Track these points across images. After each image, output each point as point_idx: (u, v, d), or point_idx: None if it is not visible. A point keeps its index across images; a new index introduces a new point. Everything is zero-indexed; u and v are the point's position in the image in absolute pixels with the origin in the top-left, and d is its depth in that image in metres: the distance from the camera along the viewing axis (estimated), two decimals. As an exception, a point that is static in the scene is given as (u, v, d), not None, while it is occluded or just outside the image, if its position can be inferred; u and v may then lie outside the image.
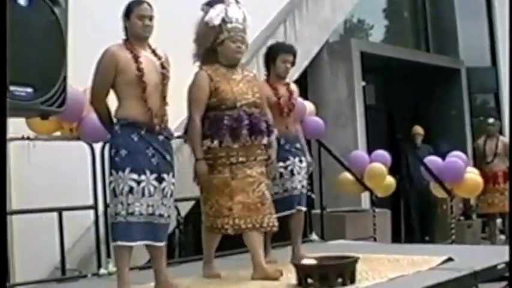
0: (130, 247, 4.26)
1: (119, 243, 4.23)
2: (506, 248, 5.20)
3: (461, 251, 5.79)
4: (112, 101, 4.48)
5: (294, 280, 4.35)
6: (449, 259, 4.94)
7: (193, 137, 4.75)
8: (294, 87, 5.77)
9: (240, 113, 4.74)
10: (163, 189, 4.30)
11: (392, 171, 8.18)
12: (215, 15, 4.82)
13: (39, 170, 6.31)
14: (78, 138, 5.55)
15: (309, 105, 6.96)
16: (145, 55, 4.38)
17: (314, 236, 7.05)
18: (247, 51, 8.43)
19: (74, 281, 5.52)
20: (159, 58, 4.44)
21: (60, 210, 5.50)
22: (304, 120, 6.95)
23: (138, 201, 4.20)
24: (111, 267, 5.52)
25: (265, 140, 4.84)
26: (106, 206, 5.70)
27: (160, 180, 4.28)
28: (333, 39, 10.56)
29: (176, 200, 5.97)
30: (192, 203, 7.06)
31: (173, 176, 4.39)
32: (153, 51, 4.46)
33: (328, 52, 10.08)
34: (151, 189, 4.24)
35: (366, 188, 7.83)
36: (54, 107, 2.75)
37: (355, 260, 4.32)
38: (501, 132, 10.79)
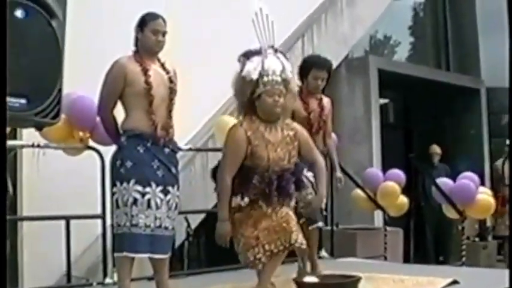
0: (132, 258, 4.28)
1: (124, 253, 4.25)
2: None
3: (469, 274, 5.76)
4: (119, 112, 4.52)
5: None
6: (455, 281, 4.89)
7: (222, 196, 4.57)
8: (326, 102, 5.68)
9: (271, 177, 4.62)
10: (169, 201, 4.33)
11: (406, 190, 8.13)
12: (252, 68, 4.62)
13: (50, 177, 6.36)
14: (88, 147, 5.60)
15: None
16: (154, 68, 4.41)
17: (323, 253, 7.01)
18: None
19: (79, 289, 5.55)
20: (167, 72, 4.48)
21: (67, 218, 5.53)
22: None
23: (143, 213, 4.22)
24: (117, 277, 5.54)
25: (293, 201, 4.74)
26: (114, 215, 5.75)
27: (165, 192, 4.31)
28: (356, 54, 10.56)
29: (187, 212, 6.03)
30: (202, 215, 7.09)
31: (178, 188, 4.41)
32: (162, 65, 4.50)
33: (346, 68, 10.08)
34: (158, 201, 4.26)
35: (379, 207, 7.79)
36: (48, 118, 2.76)
37: (357, 280, 4.30)
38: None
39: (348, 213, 8.68)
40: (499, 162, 10.14)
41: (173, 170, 4.39)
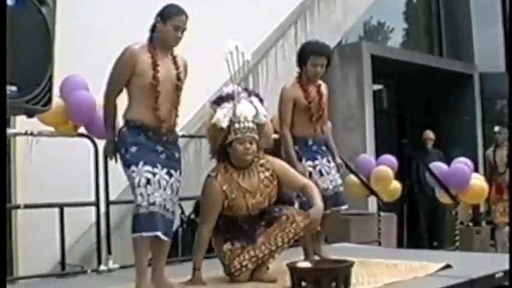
0: (149, 238, 4.20)
1: (143, 234, 4.15)
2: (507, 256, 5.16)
3: (462, 258, 5.78)
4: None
5: (288, 283, 4.35)
6: (448, 266, 4.91)
7: (198, 248, 4.68)
8: (324, 88, 5.62)
9: (254, 216, 4.74)
10: (172, 184, 4.27)
11: (400, 175, 8.15)
12: (222, 116, 4.65)
13: (44, 166, 6.36)
14: (81, 135, 5.61)
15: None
16: (164, 62, 4.35)
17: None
18: (258, 52, 8.58)
19: (73, 277, 5.54)
20: (177, 68, 4.42)
21: (61, 206, 5.54)
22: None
23: (157, 191, 4.17)
24: (111, 264, 5.57)
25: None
26: (108, 203, 5.76)
27: (170, 175, 4.26)
28: (350, 41, 10.55)
29: (181, 199, 6.02)
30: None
31: (180, 173, 4.38)
32: (174, 58, 4.44)
33: (339, 55, 10.06)
34: (164, 183, 4.21)
35: (372, 192, 7.81)
36: (39, 105, 2.77)
37: (350, 265, 4.31)
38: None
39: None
40: (489, 151, 9.84)
41: (176, 154, 4.38)
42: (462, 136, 12.26)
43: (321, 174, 5.41)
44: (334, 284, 4.15)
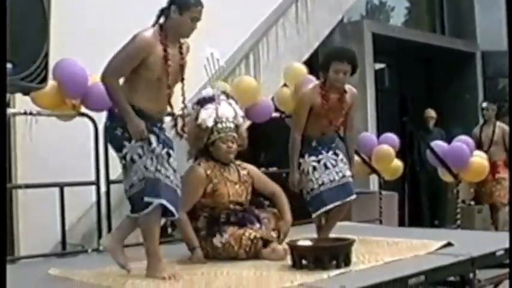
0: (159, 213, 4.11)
1: (160, 201, 4.03)
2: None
3: (463, 236, 5.78)
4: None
5: (289, 261, 4.35)
6: (449, 244, 4.90)
7: (186, 230, 4.72)
8: (349, 97, 5.37)
9: (234, 210, 4.91)
10: (171, 163, 4.15)
11: (401, 154, 8.13)
12: (207, 116, 4.89)
13: (44, 145, 6.35)
14: (81, 114, 5.58)
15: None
16: (173, 53, 4.25)
17: (318, 218, 7.02)
18: (258, 31, 8.54)
19: (74, 256, 5.56)
20: (182, 58, 4.33)
21: (61, 186, 5.53)
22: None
23: (163, 166, 4.09)
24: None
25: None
26: (108, 182, 5.76)
27: (169, 154, 4.15)
28: (352, 19, 10.50)
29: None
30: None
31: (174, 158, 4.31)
32: (180, 47, 4.33)
33: (340, 33, 10.01)
34: (166, 158, 4.12)
35: (373, 170, 7.79)
36: (35, 83, 2.73)
37: (350, 243, 4.30)
38: (498, 117, 9.55)
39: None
40: (476, 129, 9.49)
41: (170, 137, 4.34)
42: (464, 115, 12.22)
43: (326, 167, 5.33)
44: (334, 262, 4.15)
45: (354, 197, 5.42)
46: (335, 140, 5.53)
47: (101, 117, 5.55)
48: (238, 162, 5.14)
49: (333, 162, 5.37)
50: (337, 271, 4.05)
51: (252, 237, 4.69)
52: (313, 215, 5.38)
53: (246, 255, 4.68)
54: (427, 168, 9.67)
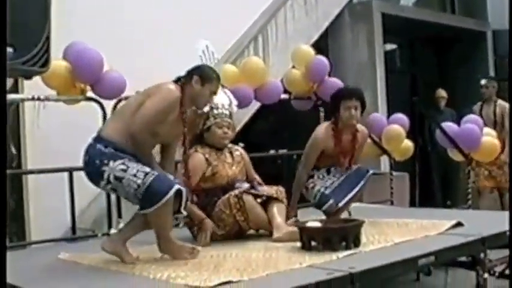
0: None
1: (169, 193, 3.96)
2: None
3: (474, 216, 5.75)
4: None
5: (298, 243, 4.34)
6: (459, 224, 4.87)
7: (190, 206, 4.65)
8: (361, 136, 5.65)
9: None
10: None
11: (412, 134, 8.07)
12: None
13: (53, 130, 6.36)
14: (89, 99, 5.57)
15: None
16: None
17: (330, 199, 7.01)
18: (267, 12, 8.51)
19: (84, 241, 5.57)
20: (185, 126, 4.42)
21: (70, 170, 5.53)
22: (324, 81, 6.95)
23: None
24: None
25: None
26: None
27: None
28: (360, -1, 10.44)
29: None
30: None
31: None
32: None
33: (349, 13, 9.95)
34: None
35: (383, 151, 7.75)
36: (37, 67, 2.70)
37: (359, 224, 4.29)
38: (499, 95, 8.93)
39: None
40: (476, 107, 8.97)
41: None
42: (475, 94, 12.10)
43: (323, 177, 5.53)
44: (344, 243, 4.14)
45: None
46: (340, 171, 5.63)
47: (109, 102, 5.60)
48: (229, 145, 5.22)
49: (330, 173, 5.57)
50: (347, 252, 4.04)
51: (237, 193, 4.79)
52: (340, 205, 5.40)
53: (241, 216, 4.76)
54: (438, 148, 9.58)
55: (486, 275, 4.60)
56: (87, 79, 5.46)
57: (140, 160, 4.10)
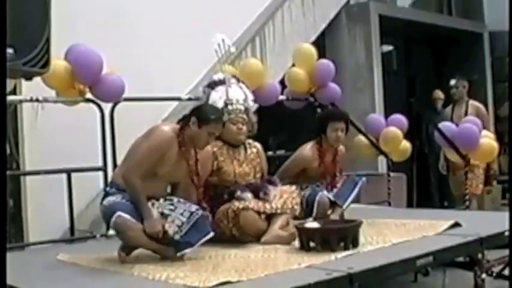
0: None
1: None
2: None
3: (472, 217, 5.75)
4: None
5: (296, 243, 4.35)
6: (457, 224, 4.88)
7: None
8: (340, 153, 5.92)
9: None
10: None
11: (409, 135, 8.08)
12: (218, 98, 4.96)
13: (51, 131, 6.35)
14: (88, 100, 5.57)
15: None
16: (188, 156, 4.42)
17: (327, 200, 7.02)
18: (264, 14, 8.51)
19: (83, 242, 5.57)
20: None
21: (69, 172, 5.53)
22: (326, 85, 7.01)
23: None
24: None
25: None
26: (115, 167, 5.75)
27: None
28: (358, 0, 10.43)
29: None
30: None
31: None
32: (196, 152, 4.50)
33: (346, 15, 9.96)
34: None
35: (381, 152, 7.77)
36: (37, 68, 2.72)
37: (358, 225, 4.30)
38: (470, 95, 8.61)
39: (352, 160, 8.67)
40: (448, 109, 8.63)
41: None
42: (472, 95, 12.11)
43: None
44: (342, 244, 4.15)
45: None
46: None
47: (107, 104, 5.60)
48: (249, 141, 5.14)
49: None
50: (345, 253, 4.06)
51: (235, 208, 4.67)
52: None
53: (237, 232, 4.67)
54: (435, 149, 9.61)
55: (484, 276, 4.61)
56: (86, 80, 5.46)
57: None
